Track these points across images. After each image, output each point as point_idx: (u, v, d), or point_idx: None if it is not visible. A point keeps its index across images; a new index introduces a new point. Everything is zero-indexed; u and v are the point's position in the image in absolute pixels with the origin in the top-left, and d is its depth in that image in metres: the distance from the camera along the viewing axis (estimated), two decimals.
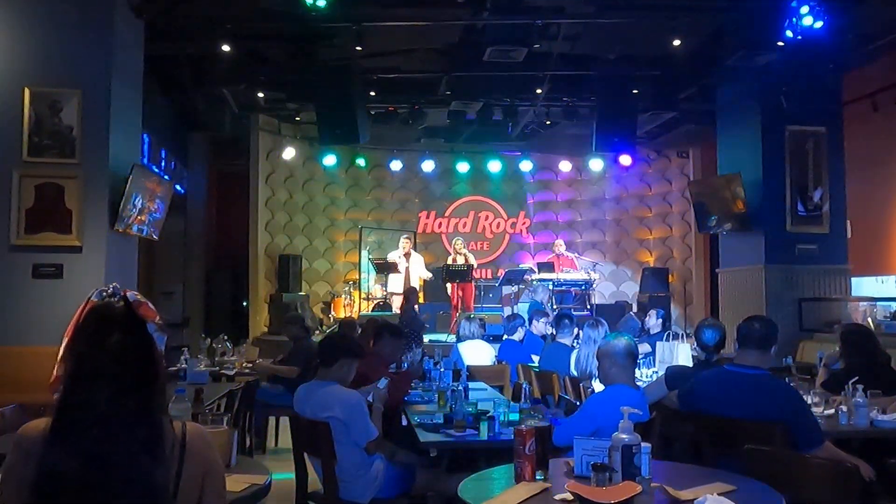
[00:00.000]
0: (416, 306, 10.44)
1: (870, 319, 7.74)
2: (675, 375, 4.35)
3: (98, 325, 1.62)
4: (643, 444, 2.58)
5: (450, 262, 12.15)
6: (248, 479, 2.57)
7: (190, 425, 1.76)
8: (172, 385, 4.14)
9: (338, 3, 7.04)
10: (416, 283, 11.93)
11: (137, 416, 1.58)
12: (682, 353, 6.50)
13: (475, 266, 12.27)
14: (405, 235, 12.70)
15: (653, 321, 7.82)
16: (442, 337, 10.71)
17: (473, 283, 12.05)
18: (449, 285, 12.00)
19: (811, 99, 8.56)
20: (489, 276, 13.53)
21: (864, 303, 8.23)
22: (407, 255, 12.09)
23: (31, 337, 5.81)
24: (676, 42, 7.90)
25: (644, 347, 7.24)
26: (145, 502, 1.55)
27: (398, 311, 11.59)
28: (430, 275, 12.09)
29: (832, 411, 4.13)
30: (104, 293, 1.80)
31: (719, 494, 2.34)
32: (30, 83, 6.22)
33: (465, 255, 12.19)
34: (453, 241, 12.61)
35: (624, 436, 2.55)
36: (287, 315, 8.24)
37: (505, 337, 7.66)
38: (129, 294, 1.78)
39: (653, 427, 3.39)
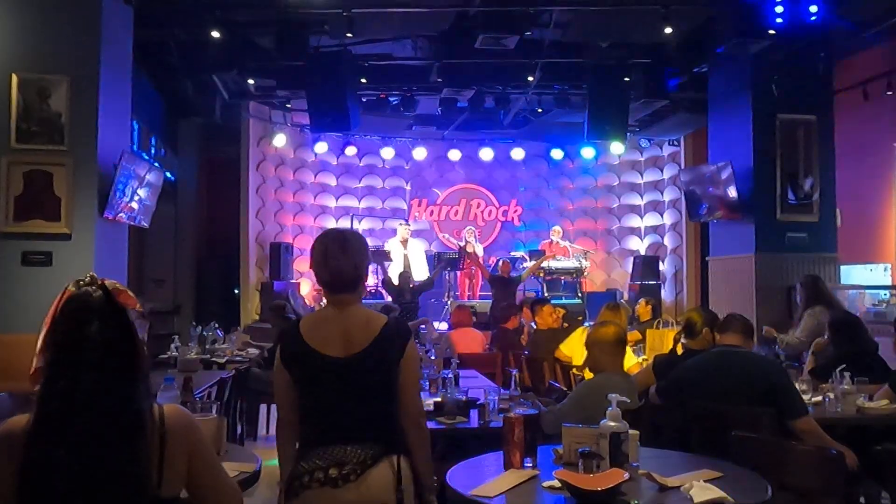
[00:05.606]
0: (410, 293, 10.35)
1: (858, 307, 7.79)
2: (663, 363, 4.38)
3: (76, 315, 1.61)
4: (631, 432, 2.60)
5: (456, 244, 12.39)
6: (238, 467, 2.58)
7: (168, 407, 1.72)
8: (161, 373, 4.14)
9: None
10: (415, 271, 11.93)
11: (120, 405, 1.57)
12: (672, 341, 6.52)
13: (480, 256, 12.27)
14: (402, 223, 12.68)
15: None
16: (433, 324, 10.71)
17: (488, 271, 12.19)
18: (458, 275, 12.06)
19: (802, 87, 8.56)
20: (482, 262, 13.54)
21: (853, 291, 8.28)
22: (404, 243, 12.08)
23: (20, 324, 5.77)
24: (668, 30, 7.89)
25: (634, 335, 7.28)
26: (130, 492, 1.55)
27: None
28: (425, 267, 12.12)
29: (819, 398, 4.17)
30: (81, 283, 1.78)
31: (706, 481, 2.36)
32: (17, 69, 6.17)
33: (472, 244, 12.22)
34: (464, 231, 12.63)
35: (612, 423, 2.56)
36: (271, 304, 8.26)
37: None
38: (107, 282, 1.76)
39: (641, 414, 3.41)
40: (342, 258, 2.50)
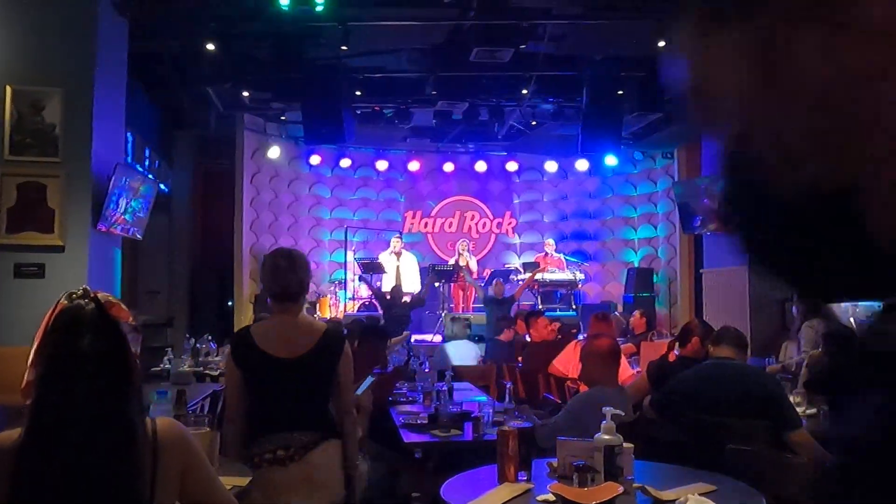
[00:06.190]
0: (401, 307, 10.36)
1: (852, 319, 7.80)
2: (655, 369, 4.39)
3: (68, 328, 1.60)
4: (625, 445, 2.59)
5: (451, 262, 12.29)
6: (232, 481, 2.56)
7: (160, 421, 1.70)
8: (155, 385, 4.12)
9: (326, 2, 7.02)
10: (407, 283, 11.92)
11: (113, 418, 1.56)
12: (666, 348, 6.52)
13: (473, 270, 12.23)
14: (395, 234, 12.69)
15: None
16: (428, 337, 10.71)
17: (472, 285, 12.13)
18: (452, 287, 12.06)
19: None
20: (475, 276, 13.52)
21: (846, 303, 8.30)
22: (397, 255, 12.08)
23: (12, 337, 5.72)
24: (662, 43, 7.93)
25: (629, 348, 7.28)
26: None
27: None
28: (417, 279, 12.11)
29: (814, 410, 4.17)
30: (73, 296, 1.77)
31: (701, 494, 2.35)
32: (11, 81, 6.16)
33: (466, 257, 12.20)
34: (458, 243, 12.62)
35: (606, 436, 2.56)
36: (257, 316, 8.23)
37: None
38: (100, 295, 1.75)
39: (636, 427, 3.40)
40: (290, 273, 2.97)
